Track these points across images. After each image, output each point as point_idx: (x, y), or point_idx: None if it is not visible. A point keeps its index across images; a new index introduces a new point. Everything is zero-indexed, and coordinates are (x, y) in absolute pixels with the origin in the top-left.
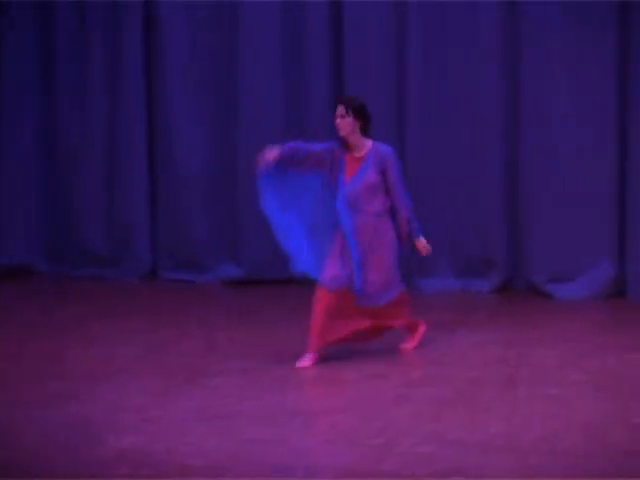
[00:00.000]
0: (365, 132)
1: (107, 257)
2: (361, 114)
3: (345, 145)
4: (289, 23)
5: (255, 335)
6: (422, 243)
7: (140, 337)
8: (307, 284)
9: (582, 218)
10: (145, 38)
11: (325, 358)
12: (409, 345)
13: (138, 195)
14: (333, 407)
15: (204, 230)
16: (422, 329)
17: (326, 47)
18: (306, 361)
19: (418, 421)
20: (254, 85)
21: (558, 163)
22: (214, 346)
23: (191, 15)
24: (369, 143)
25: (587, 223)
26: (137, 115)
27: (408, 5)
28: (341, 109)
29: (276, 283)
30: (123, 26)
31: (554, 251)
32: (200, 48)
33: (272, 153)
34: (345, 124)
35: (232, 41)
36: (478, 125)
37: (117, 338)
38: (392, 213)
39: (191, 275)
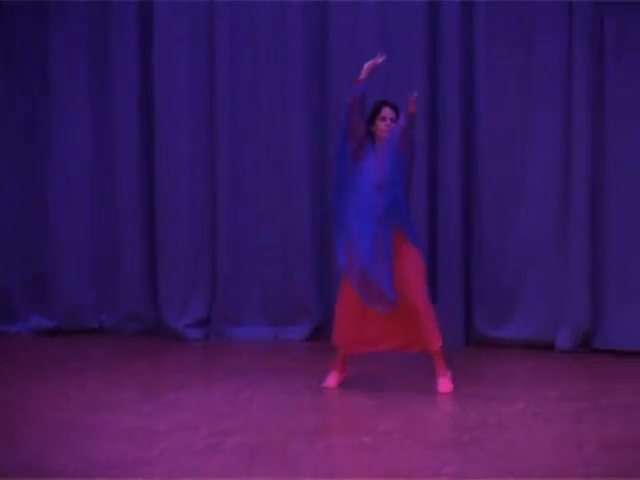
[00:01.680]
0: None
1: None
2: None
3: (373, 145)
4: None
5: (68, 385)
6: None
7: None
8: (118, 333)
9: None
10: None
11: (133, 409)
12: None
13: None
14: (144, 459)
15: (13, 278)
16: None
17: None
18: None
19: (229, 471)
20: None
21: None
22: (27, 397)
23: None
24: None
25: None
26: None
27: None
28: (392, 112)
29: (88, 332)
30: None
31: None
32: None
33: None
34: (392, 128)
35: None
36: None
37: None
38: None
39: (2, 325)
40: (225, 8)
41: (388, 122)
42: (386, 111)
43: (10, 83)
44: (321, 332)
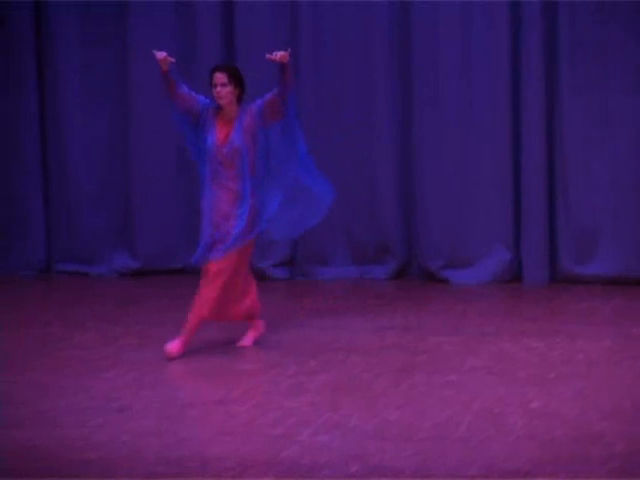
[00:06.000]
0: (239, 100)
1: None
2: (240, 82)
3: (217, 110)
4: (181, 23)
5: (151, 326)
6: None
7: (33, 330)
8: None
9: (477, 204)
10: (37, 33)
11: (218, 349)
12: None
13: (31, 188)
14: (229, 397)
15: (98, 221)
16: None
17: (218, 49)
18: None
19: (315, 409)
20: (146, 85)
21: (453, 149)
22: (110, 338)
23: (83, 13)
24: (239, 109)
25: (482, 208)
26: (29, 111)
27: (299, 5)
28: (222, 77)
29: (171, 273)
30: (15, 20)
31: (450, 237)
32: (91, 46)
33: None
34: (226, 93)
35: (124, 39)
36: (371, 112)
37: (9, 332)
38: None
39: (86, 267)
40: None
41: (218, 88)
42: (215, 77)
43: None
44: (405, 271)
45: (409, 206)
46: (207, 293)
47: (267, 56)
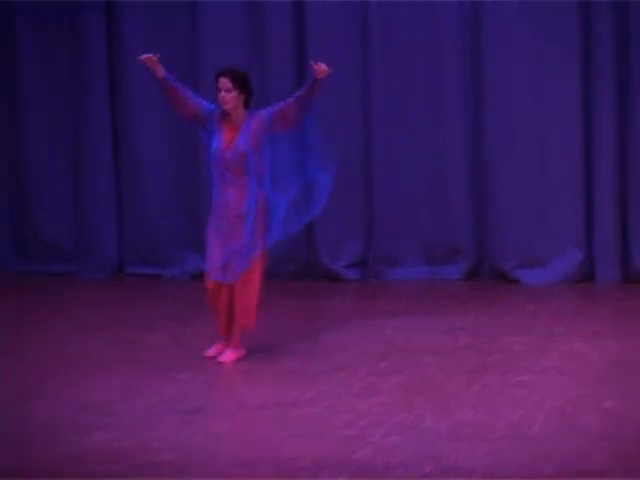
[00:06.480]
0: (247, 105)
1: (73, 254)
2: (246, 87)
3: (224, 115)
4: (252, 23)
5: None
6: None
7: (106, 333)
8: (274, 274)
9: (549, 203)
10: (108, 34)
11: (291, 351)
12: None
13: (103, 191)
14: (301, 399)
15: (170, 223)
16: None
17: (289, 49)
18: None
19: (387, 410)
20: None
21: (525, 149)
22: (182, 340)
23: (153, 13)
24: (247, 114)
25: (554, 208)
26: (101, 114)
27: (370, 5)
28: (226, 82)
29: None
30: (86, 22)
31: (522, 237)
32: (161, 46)
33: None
34: (231, 98)
35: (194, 39)
36: (441, 112)
37: (82, 334)
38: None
39: (158, 269)
40: (377, 7)
41: (223, 93)
42: (220, 81)
43: None
44: (477, 271)
45: (480, 206)
46: (246, 303)
47: (312, 62)
